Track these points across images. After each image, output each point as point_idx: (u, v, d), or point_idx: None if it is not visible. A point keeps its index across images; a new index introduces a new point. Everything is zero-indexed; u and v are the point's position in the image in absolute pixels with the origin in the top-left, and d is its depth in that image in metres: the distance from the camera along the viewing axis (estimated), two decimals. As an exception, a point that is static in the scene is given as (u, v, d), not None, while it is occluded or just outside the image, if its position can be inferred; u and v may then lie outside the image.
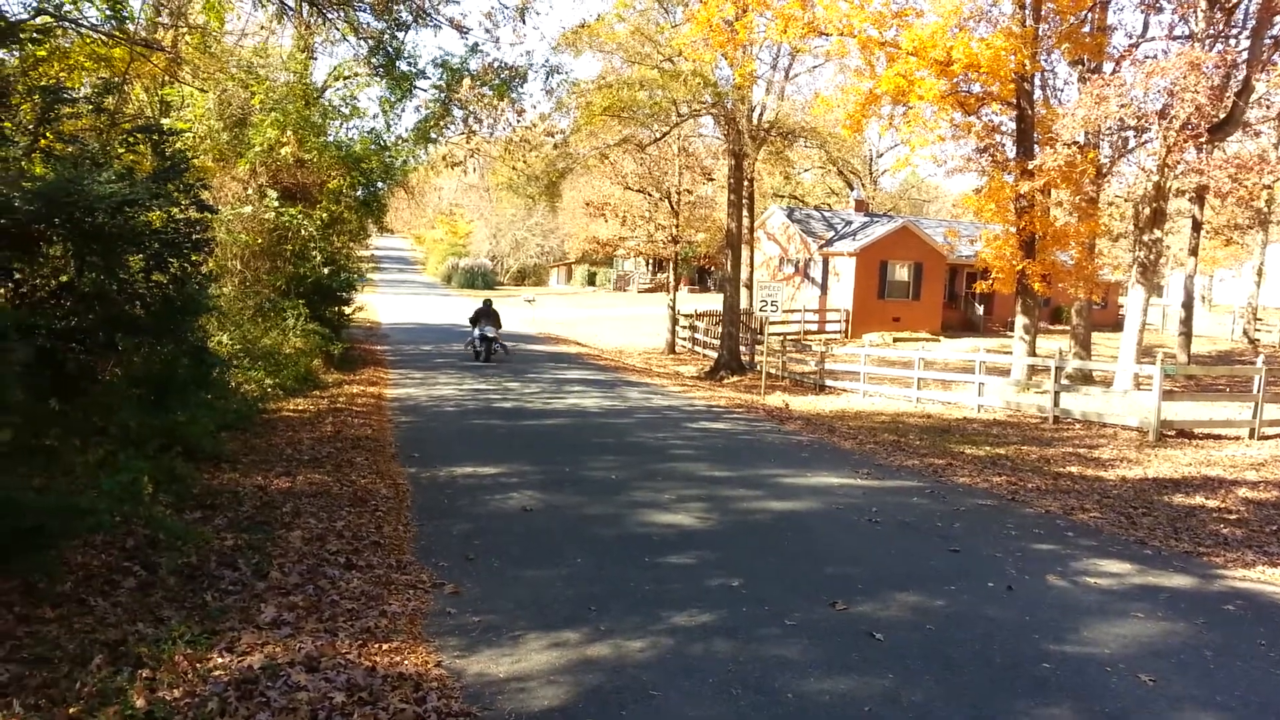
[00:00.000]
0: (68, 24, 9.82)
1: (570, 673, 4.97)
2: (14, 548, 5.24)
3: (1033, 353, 21.24)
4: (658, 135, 28.14)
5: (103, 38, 10.92)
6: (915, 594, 6.45)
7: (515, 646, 5.31)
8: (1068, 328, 27.98)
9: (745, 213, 28.75)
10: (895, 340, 32.73)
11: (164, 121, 14.13)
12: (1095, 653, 5.49)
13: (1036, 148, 20.67)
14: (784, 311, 32.06)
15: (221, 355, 12.43)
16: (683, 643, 5.42)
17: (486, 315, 23.50)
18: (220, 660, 4.81)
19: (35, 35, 8.99)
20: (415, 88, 17.83)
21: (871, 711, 4.60)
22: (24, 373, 5.83)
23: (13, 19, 8.84)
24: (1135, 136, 21.43)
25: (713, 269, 53.11)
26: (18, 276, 6.93)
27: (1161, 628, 5.97)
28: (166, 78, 15.09)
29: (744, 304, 27.87)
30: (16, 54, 9.33)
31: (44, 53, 9.85)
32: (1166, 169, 19.97)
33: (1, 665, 4.54)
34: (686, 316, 33.59)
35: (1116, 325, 30.82)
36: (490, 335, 23.21)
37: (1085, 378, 22.12)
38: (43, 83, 8.78)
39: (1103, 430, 15.68)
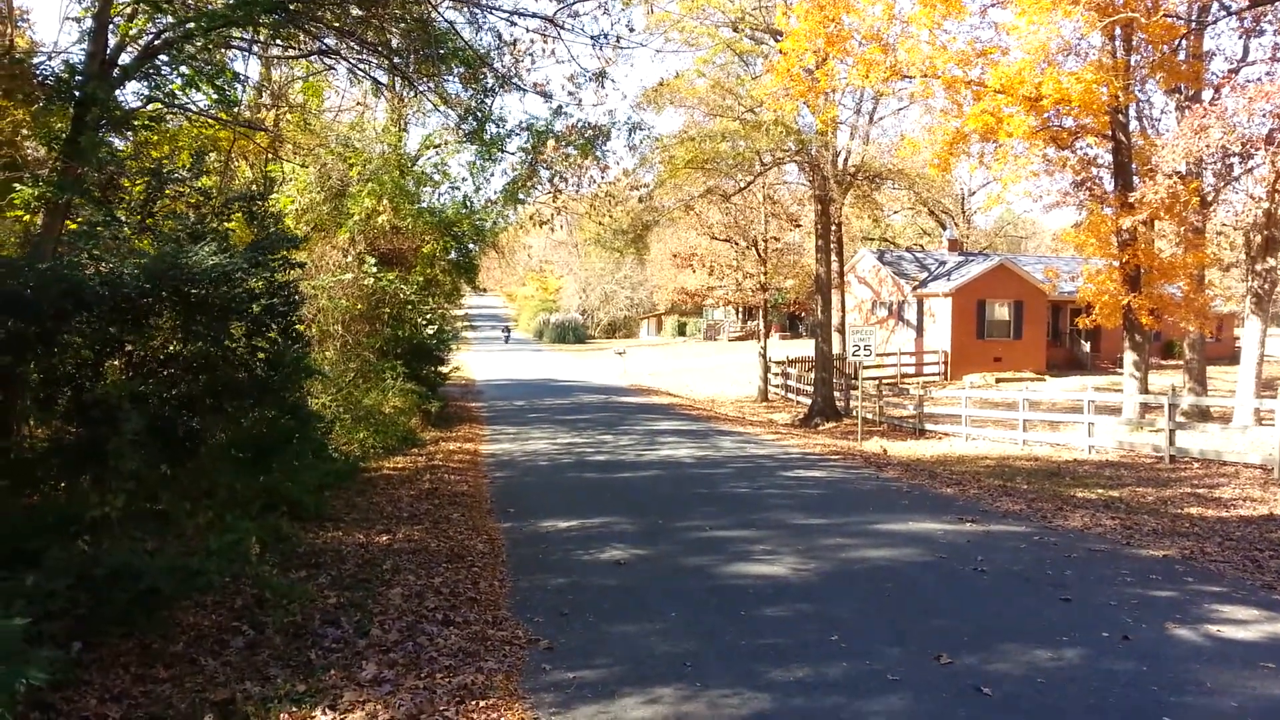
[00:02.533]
0: (176, 109, 10.40)
1: (666, 730, 4.90)
2: (131, 610, 5.45)
3: (1144, 390, 20.38)
4: (742, 185, 28.27)
5: (209, 121, 11.54)
6: (1025, 646, 6.18)
7: (610, 703, 5.26)
8: (1180, 362, 26.83)
9: (834, 257, 28.55)
10: (998, 380, 31.84)
11: (272, 198, 14.83)
12: (1220, 705, 5.15)
13: (1136, 179, 20.02)
14: (878, 355, 31.53)
15: (325, 416, 12.83)
16: (780, 699, 5.29)
17: (506, 329, 70.87)
18: (323, 719, 4.89)
19: (148, 122, 9.55)
20: (503, 151, 18.33)
21: (981, 770, 4.40)
22: (136, 441, 6.11)
23: (127, 108, 9.42)
24: (1241, 163, 20.60)
25: (803, 315, 52.69)
26: (129, 348, 7.29)
27: (1296, 679, 5.58)
28: (270, 155, 15.85)
29: (836, 349, 27.55)
30: (129, 140, 9.93)
31: (154, 137, 10.46)
32: (1277, 194, 19.12)
33: (118, 724, 4.71)
34: (778, 363, 33.35)
35: (1233, 358, 29.39)
36: (509, 330, 73.31)
37: (1202, 414, 21.12)
38: (150, 165, 9.31)
39: (1223, 469, 14.89)
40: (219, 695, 5.10)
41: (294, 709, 4.97)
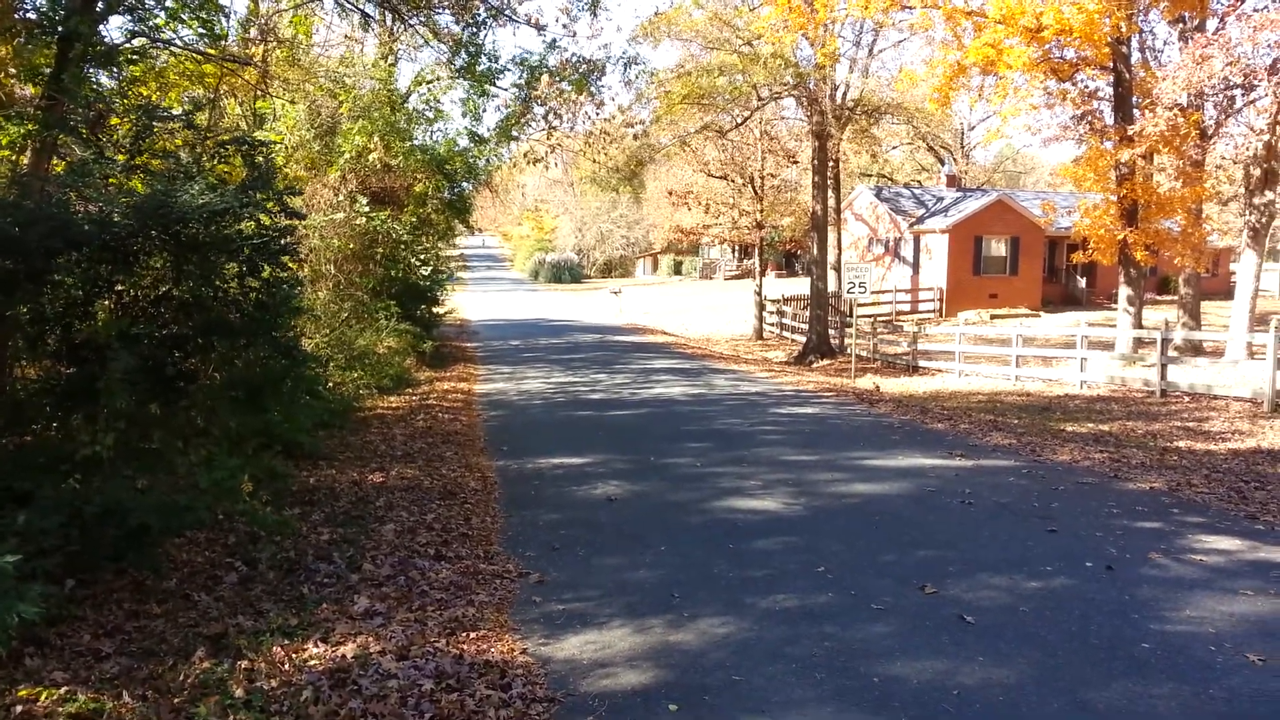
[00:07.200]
0: (162, 44, 10.22)
1: (653, 658, 4.99)
2: (122, 547, 5.51)
3: (1138, 325, 20.40)
4: (739, 120, 27.92)
5: (196, 56, 11.34)
6: (1009, 576, 6.27)
7: (599, 633, 5.35)
8: (1176, 298, 26.76)
9: (831, 194, 28.30)
10: (993, 317, 31.85)
11: (257, 134, 14.62)
12: (1199, 632, 5.25)
13: (1136, 112, 19.78)
14: (874, 292, 31.51)
15: (318, 356, 12.82)
16: (766, 628, 5.38)
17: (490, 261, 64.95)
18: (315, 650, 4.97)
19: (132, 57, 9.38)
20: (495, 86, 18.09)
21: (961, 695, 4.50)
22: (126, 380, 6.11)
23: (111, 43, 9.25)
24: (1243, 95, 20.31)
25: (800, 253, 52.43)
26: (119, 288, 7.25)
27: (1274, 605, 5.67)
28: (259, 91, 15.60)
29: (832, 287, 27.48)
30: (115, 77, 9.76)
31: (139, 72, 10.28)
32: (1278, 126, 18.92)
33: (113, 659, 4.78)
34: (774, 302, 33.30)
35: (1228, 294, 29.33)
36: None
37: (1195, 349, 21.18)
38: (138, 102, 9.17)
39: (1213, 403, 14.98)
40: (212, 629, 5.18)
41: (286, 641, 5.04)
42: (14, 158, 9.39)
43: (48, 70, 8.77)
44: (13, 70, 10.04)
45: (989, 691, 4.54)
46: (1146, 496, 8.60)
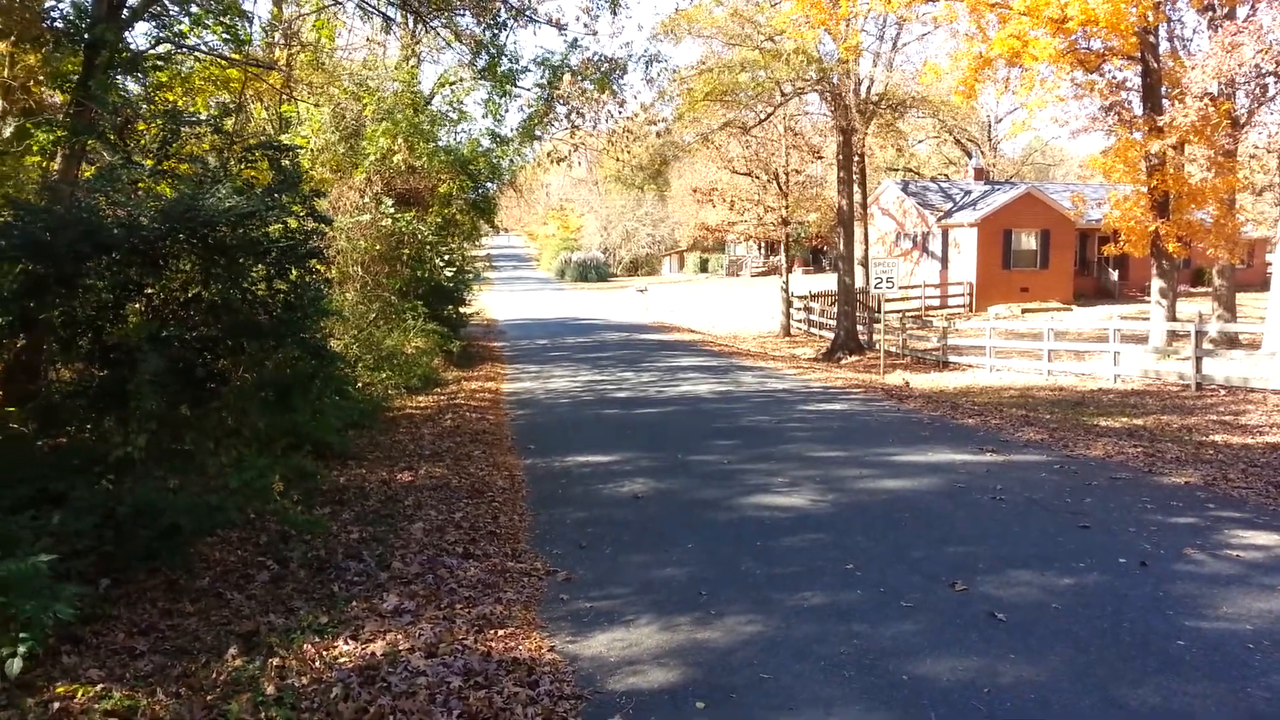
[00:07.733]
0: (186, 50, 10.33)
1: (681, 656, 4.98)
2: (154, 547, 5.58)
3: (1172, 317, 20.10)
4: (762, 117, 27.82)
5: (220, 61, 11.46)
6: (1041, 572, 6.20)
7: (627, 631, 5.35)
8: (1210, 290, 26.36)
9: (857, 188, 28.14)
10: (1024, 311, 31.51)
11: (283, 137, 14.74)
12: (1236, 629, 5.16)
13: (1165, 102, 19.50)
14: (901, 288, 31.26)
15: (346, 356, 12.92)
16: (794, 625, 5.35)
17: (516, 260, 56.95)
18: (345, 648, 5.01)
19: (157, 63, 9.50)
20: (517, 86, 18.13)
21: (991, 694, 4.45)
22: (156, 381, 6.19)
23: (136, 50, 9.37)
24: (1275, 82, 19.96)
25: (826, 249, 52.17)
26: (149, 291, 7.33)
27: (1314, 602, 5.57)
28: (283, 95, 15.74)
29: (860, 282, 27.31)
30: (141, 82, 9.89)
31: (165, 78, 10.40)
32: (1312, 113, 18.61)
33: (147, 656, 4.84)
34: (801, 298, 33.15)
35: (1264, 285, 28.86)
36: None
37: (1230, 341, 20.84)
38: (165, 108, 9.28)
39: (1249, 396, 14.74)
40: (244, 627, 5.23)
41: (317, 639, 5.08)
42: (44, 164, 9.54)
43: (75, 77, 8.91)
44: (42, 78, 10.20)
45: (1020, 689, 4.49)
46: (1182, 491, 8.47)
